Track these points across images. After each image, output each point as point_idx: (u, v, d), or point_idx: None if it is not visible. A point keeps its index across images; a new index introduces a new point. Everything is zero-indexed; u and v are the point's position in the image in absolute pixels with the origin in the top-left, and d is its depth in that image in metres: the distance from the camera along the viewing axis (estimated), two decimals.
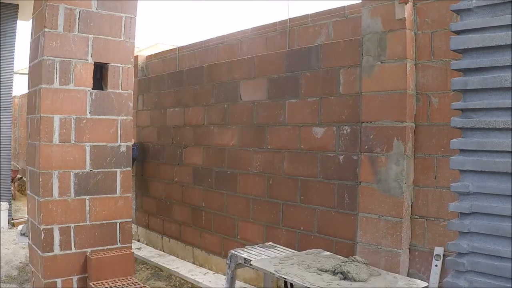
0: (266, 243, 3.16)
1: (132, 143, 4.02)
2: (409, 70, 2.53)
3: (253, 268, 2.69)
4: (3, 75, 5.84)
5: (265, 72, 3.46)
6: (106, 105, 2.93)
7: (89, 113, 2.87)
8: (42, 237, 2.71)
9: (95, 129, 2.88)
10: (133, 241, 3.73)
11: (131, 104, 3.05)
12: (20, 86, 10.84)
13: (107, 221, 2.94)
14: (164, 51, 5.14)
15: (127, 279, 2.80)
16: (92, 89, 2.88)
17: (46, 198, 2.72)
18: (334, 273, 2.27)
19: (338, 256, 2.65)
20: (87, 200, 2.86)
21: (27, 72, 3.15)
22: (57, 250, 2.75)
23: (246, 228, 3.62)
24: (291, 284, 2.65)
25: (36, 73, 2.84)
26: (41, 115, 2.71)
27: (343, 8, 3.30)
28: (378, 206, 2.63)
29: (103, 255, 2.81)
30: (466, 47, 1.91)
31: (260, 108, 3.50)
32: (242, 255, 2.82)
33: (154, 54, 5.27)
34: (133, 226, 5.07)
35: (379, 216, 2.62)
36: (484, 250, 1.85)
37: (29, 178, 2.99)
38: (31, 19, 3.05)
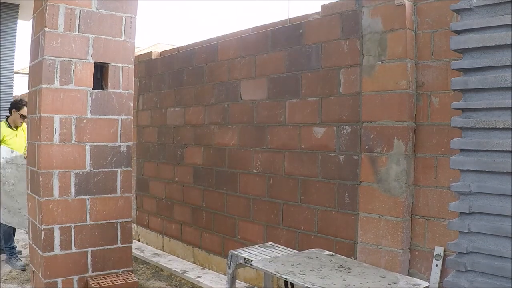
0: (267, 243, 3.16)
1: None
2: (410, 70, 2.53)
3: (253, 268, 2.69)
4: (3, 75, 5.85)
5: (266, 72, 3.46)
6: (107, 105, 2.93)
7: (90, 113, 2.87)
8: (42, 237, 2.71)
9: (95, 129, 2.89)
10: (133, 240, 3.74)
11: (132, 104, 3.05)
12: (20, 86, 10.82)
13: (108, 221, 2.95)
14: (165, 50, 5.13)
15: None
16: (93, 89, 2.88)
17: (47, 198, 2.73)
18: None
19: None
20: (87, 200, 2.87)
21: (27, 72, 3.15)
22: (57, 250, 2.76)
23: (246, 228, 3.62)
24: (292, 284, 2.65)
25: (36, 73, 2.85)
26: (42, 115, 2.71)
27: None
28: (379, 206, 2.63)
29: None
30: (466, 47, 1.91)
31: (261, 108, 3.50)
32: (243, 255, 2.82)
33: (155, 53, 5.25)
34: (134, 226, 5.07)
35: (380, 216, 2.62)
36: (485, 250, 1.85)
37: (29, 178, 2.99)
38: (32, 19, 3.05)
